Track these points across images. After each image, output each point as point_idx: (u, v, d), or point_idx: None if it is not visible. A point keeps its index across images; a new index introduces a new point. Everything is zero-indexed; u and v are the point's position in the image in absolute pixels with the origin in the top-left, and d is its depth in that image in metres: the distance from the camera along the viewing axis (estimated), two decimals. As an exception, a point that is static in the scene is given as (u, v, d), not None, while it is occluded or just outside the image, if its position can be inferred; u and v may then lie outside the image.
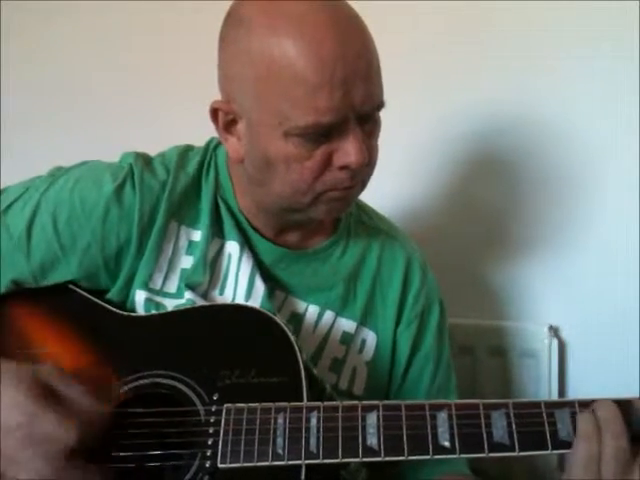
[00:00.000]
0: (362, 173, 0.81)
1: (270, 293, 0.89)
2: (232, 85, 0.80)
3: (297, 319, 0.91)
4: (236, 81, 0.79)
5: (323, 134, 0.76)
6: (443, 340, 0.98)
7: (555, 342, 1.29)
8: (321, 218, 0.86)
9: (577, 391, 1.32)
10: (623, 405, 0.68)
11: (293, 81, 0.73)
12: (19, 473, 0.65)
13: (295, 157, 0.77)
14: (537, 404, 0.70)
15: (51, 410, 0.66)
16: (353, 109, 0.75)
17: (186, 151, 0.92)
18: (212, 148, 0.92)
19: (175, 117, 1.46)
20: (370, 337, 0.94)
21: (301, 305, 0.91)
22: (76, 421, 0.66)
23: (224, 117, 0.81)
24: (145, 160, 0.88)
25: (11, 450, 0.65)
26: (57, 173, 0.89)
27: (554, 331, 1.31)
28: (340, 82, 0.73)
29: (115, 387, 0.77)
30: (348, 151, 0.76)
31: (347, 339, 0.92)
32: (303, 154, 0.77)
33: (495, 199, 1.35)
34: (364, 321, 0.93)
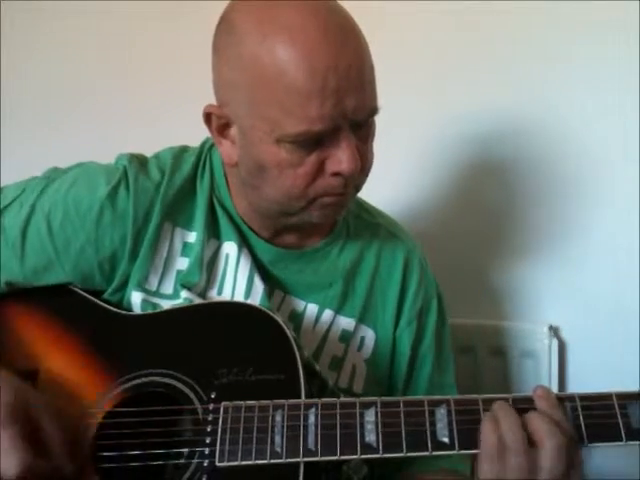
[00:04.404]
0: (355, 179, 0.81)
1: (269, 293, 0.89)
2: (224, 91, 0.80)
3: (296, 318, 0.90)
4: (228, 87, 0.79)
5: (315, 141, 0.76)
6: (442, 336, 0.98)
7: (555, 342, 1.28)
8: (315, 222, 0.86)
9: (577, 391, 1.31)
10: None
11: (284, 90, 0.73)
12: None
13: (287, 163, 0.77)
14: None
15: (18, 437, 0.67)
16: (345, 117, 0.75)
17: (181, 152, 0.91)
18: (207, 149, 0.92)
19: (175, 118, 1.46)
20: (369, 334, 0.93)
21: (300, 304, 0.91)
22: (33, 455, 0.67)
23: (217, 121, 0.81)
24: (140, 162, 0.88)
25: None
26: (52, 175, 0.89)
27: (554, 331, 1.31)
28: (332, 92, 0.72)
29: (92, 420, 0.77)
30: (340, 158, 0.76)
31: (346, 337, 0.92)
32: (295, 160, 0.77)
33: (495, 200, 1.35)
34: (363, 318, 0.93)
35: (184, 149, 0.93)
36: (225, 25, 0.79)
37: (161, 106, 1.51)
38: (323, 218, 0.85)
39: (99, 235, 0.84)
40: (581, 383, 1.32)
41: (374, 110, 0.79)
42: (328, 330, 0.91)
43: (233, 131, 0.81)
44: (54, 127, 1.59)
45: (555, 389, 1.28)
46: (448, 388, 0.97)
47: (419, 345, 0.95)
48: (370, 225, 0.98)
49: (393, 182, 1.34)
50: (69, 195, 0.84)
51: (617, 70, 1.23)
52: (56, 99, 1.59)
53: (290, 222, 0.87)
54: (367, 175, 0.84)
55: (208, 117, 0.82)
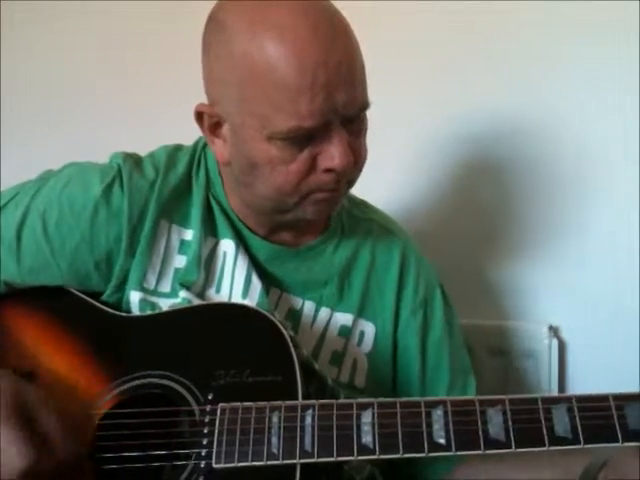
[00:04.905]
0: (348, 175, 0.81)
1: (266, 291, 0.89)
2: (215, 89, 0.80)
3: (294, 316, 0.91)
4: (219, 85, 0.79)
5: (306, 137, 0.76)
6: (451, 322, 0.98)
7: (555, 342, 1.28)
8: (309, 218, 0.86)
9: (577, 391, 1.29)
10: None
11: (274, 86, 0.73)
12: None
13: (279, 160, 0.77)
14: (534, 400, 0.69)
15: (16, 431, 0.66)
16: (336, 112, 0.75)
17: (175, 151, 0.92)
18: (201, 148, 0.93)
19: (174, 118, 1.45)
20: (369, 329, 0.93)
21: (297, 302, 0.91)
22: (36, 448, 0.67)
23: (209, 120, 0.81)
24: (134, 160, 0.88)
25: None
26: (46, 176, 0.89)
27: (554, 331, 1.30)
28: (321, 87, 0.72)
29: (92, 419, 0.77)
30: (332, 154, 0.76)
31: (345, 332, 0.92)
32: (287, 157, 0.77)
33: (495, 199, 1.35)
34: (361, 313, 0.93)
35: (178, 148, 0.93)
36: (215, 24, 0.79)
37: (161, 106, 1.51)
38: (317, 214, 0.85)
39: (94, 233, 0.84)
40: (581, 383, 1.32)
41: (365, 104, 0.79)
42: (326, 327, 0.92)
43: (225, 129, 0.81)
44: (54, 127, 1.60)
45: (555, 389, 1.28)
46: (467, 372, 0.97)
47: (428, 335, 0.95)
48: (363, 221, 0.98)
49: (388, 182, 1.34)
50: (63, 194, 0.85)
51: (617, 70, 1.22)
52: (56, 99, 1.59)
53: (285, 219, 0.87)
54: (360, 170, 0.84)
55: (199, 116, 0.82)
